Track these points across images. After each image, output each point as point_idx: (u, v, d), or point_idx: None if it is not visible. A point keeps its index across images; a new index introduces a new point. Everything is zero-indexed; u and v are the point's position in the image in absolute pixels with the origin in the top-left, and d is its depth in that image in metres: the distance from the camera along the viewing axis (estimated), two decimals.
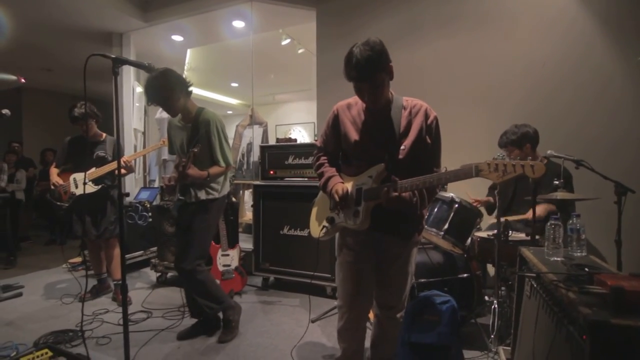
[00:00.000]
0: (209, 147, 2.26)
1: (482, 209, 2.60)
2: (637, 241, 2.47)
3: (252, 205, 3.46)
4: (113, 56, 1.45)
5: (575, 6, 2.79)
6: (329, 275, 2.97)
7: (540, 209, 2.26)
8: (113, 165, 2.90)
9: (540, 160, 2.47)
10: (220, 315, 2.43)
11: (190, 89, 2.25)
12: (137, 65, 1.56)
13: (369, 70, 1.39)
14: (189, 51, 5.40)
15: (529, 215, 2.08)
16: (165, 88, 2.11)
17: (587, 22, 2.76)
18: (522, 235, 2.26)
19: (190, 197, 2.28)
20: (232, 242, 3.18)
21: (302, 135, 8.14)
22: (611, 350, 0.89)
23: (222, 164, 2.28)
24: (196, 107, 2.33)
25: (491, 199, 2.59)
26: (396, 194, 1.42)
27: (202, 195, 2.28)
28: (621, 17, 2.61)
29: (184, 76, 2.23)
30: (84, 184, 2.69)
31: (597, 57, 2.72)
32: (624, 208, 2.07)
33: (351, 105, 1.63)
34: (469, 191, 2.58)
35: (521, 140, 2.41)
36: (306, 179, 3.17)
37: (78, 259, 4.16)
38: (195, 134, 2.25)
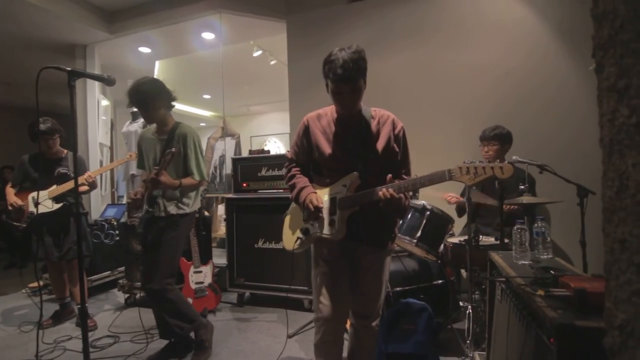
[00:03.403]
0: (184, 160, 2.22)
1: (453, 213, 2.65)
2: (601, 241, 2.56)
3: (224, 219, 3.38)
4: (68, 69, 1.38)
5: (539, 21, 2.92)
6: (306, 288, 2.92)
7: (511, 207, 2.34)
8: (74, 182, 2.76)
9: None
10: (192, 335, 2.32)
11: (174, 103, 2.28)
12: (94, 77, 1.50)
13: (355, 71, 1.41)
14: (157, 63, 5.29)
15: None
16: (149, 94, 2.15)
17: (551, 37, 2.88)
18: (492, 240, 2.31)
19: (160, 211, 2.19)
20: (205, 258, 3.08)
21: (278, 146, 8.09)
22: (577, 351, 0.90)
23: (197, 177, 2.23)
24: (174, 121, 2.31)
25: (463, 199, 2.65)
26: (395, 195, 1.40)
27: (172, 209, 2.20)
28: (578, 30, 2.74)
29: (170, 90, 2.25)
30: (37, 204, 2.53)
31: (563, 70, 2.85)
32: (590, 210, 2.15)
33: (321, 116, 1.63)
34: (446, 193, 2.64)
35: (506, 138, 2.52)
36: (280, 190, 3.13)
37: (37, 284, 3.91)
38: (170, 147, 2.19)
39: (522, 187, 2.07)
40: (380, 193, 1.41)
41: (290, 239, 1.69)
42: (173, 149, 2.07)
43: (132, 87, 2.13)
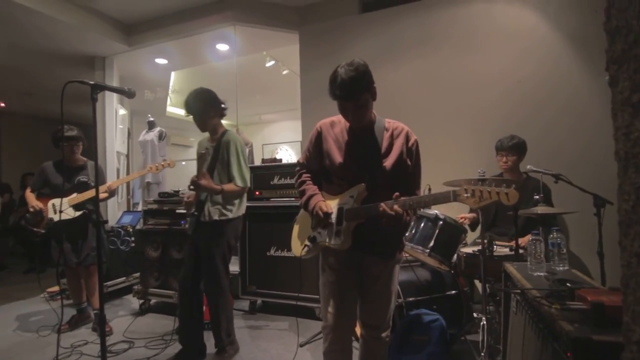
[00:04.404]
0: (227, 166, 2.30)
1: (467, 226, 2.62)
2: (619, 252, 2.51)
3: None
4: (91, 82, 1.44)
5: (551, 30, 2.91)
6: (317, 297, 2.91)
7: (525, 240, 2.30)
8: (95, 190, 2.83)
9: (521, 175, 2.53)
10: (206, 343, 2.37)
11: (225, 111, 2.44)
12: (116, 90, 1.56)
13: (353, 90, 1.42)
14: (173, 74, 5.42)
15: (513, 243, 2.11)
16: (203, 104, 2.31)
17: (563, 45, 2.87)
18: (506, 250, 2.28)
19: (204, 216, 2.26)
20: None
21: (289, 154, 8.16)
22: None
23: (239, 182, 2.28)
24: (224, 128, 2.42)
25: (475, 215, 2.62)
26: (400, 211, 1.39)
27: (215, 215, 2.26)
28: (591, 38, 2.72)
29: (221, 100, 2.42)
30: (60, 211, 2.61)
31: (576, 78, 2.82)
32: (608, 220, 2.10)
33: (334, 124, 1.64)
34: (460, 215, 2.61)
35: (523, 148, 2.52)
36: (292, 199, 3.15)
37: (57, 288, 4.00)
38: (217, 154, 2.32)
39: (537, 197, 2.04)
40: (380, 209, 1.40)
41: (298, 245, 1.71)
42: (203, 151, 2.25)
43: (188, 96, 2.30)
